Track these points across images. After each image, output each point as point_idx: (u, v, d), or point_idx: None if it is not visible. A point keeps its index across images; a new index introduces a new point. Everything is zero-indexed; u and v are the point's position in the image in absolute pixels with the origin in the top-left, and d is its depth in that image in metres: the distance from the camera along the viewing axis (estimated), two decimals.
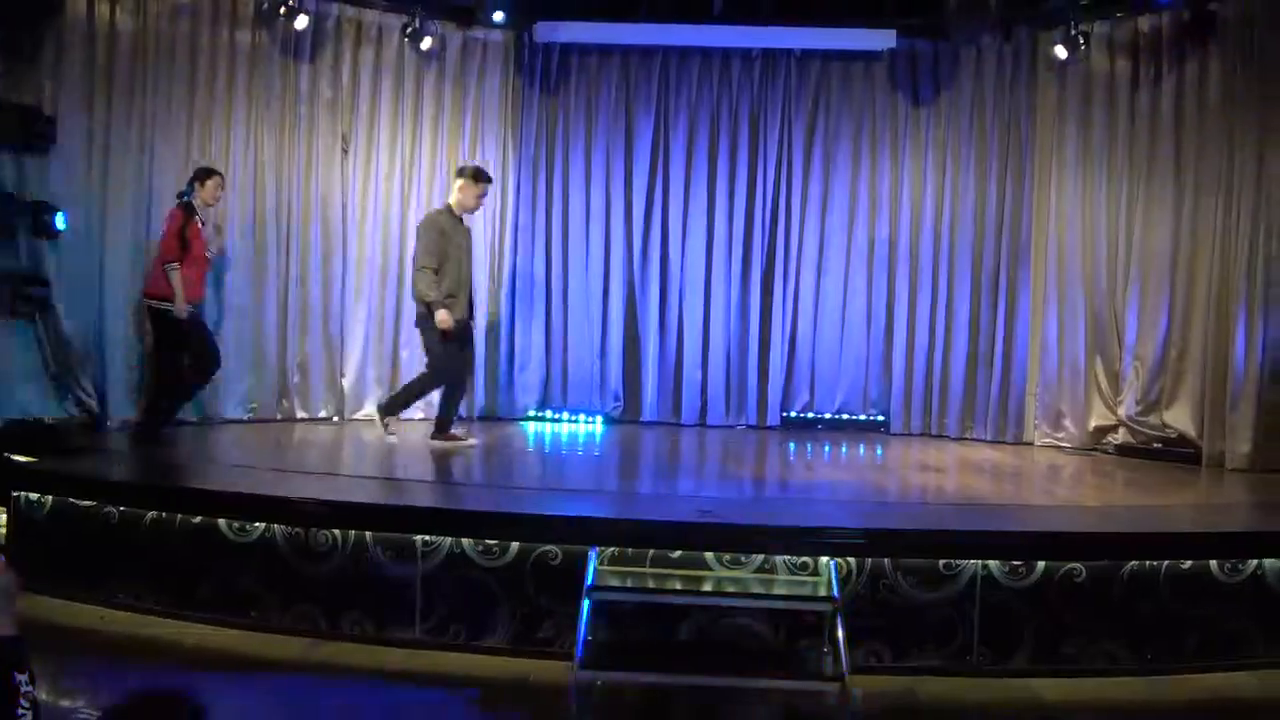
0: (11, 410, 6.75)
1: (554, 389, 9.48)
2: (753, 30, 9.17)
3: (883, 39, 9.04)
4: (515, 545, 4.80)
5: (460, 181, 7.46)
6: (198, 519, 5.06)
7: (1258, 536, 5.17)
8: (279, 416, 8.44)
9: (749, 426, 9.38)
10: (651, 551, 4.81)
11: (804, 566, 4.77)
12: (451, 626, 4.82)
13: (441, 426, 7.45)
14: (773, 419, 9.41)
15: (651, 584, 4.77)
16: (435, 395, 7.67)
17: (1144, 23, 8.31)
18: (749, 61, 9.44)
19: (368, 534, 4.89)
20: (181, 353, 7.15)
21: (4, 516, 5.58)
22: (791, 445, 8.66)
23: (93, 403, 7.34)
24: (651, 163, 9.48)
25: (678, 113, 9.45)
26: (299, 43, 8.50)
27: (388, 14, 8.89)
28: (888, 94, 9.37)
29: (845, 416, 9.39)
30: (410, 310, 8.99)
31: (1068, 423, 8.67)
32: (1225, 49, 7.79)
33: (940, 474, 7.46)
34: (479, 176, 7.50)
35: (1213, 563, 4.86)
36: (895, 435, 9.21)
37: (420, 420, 8.20)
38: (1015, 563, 4.75)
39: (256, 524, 4.98)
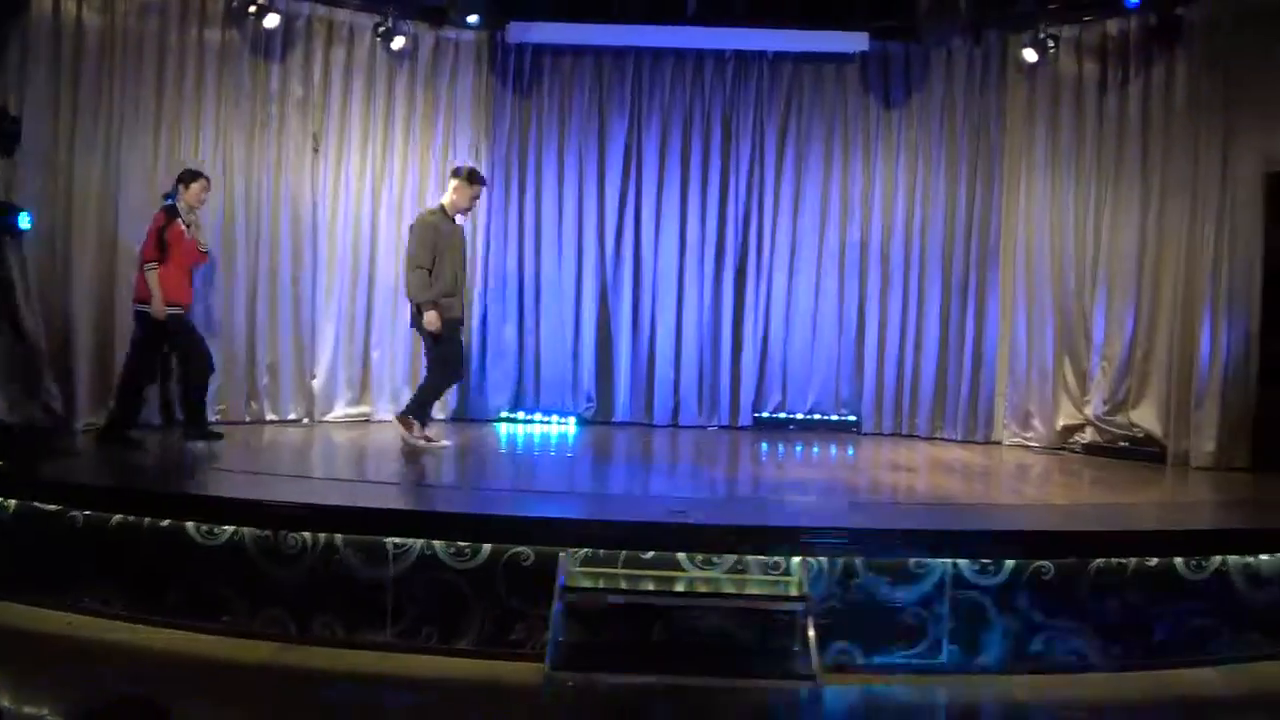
0: None
1: (526, 390, 9.48)
2: (725, 32, 9.21)
3: (854, 41, 9.10)
4: (487, 547, 4.78)
5: (455, 182, 7.45)
6: (165, 522, 5.01)
7: (1221, 534, 5.25)
8: (247, 418, 8.37)
9: (721, 427, 9.42)
10: (624, 553, 4.81)
11: (776, 566, 4.79)
12: (423, 629, 4.79)
13: (420, 422, 7.40)
14: (745, 419, 9.45)
15: (624, 585, 4.76)
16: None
17: (1112, 26, 8.41)
18: (721, 63, 9.47)
19: (338, 537, 4.85)
20: (151, 355, 7.07)
21: None
22: (763, 445, 8.70)
23: (58, 405, 7.24)
24: (624, 164, 9.48)
25: (650, 114, 9.46)
26: (269, 42, 8.43)
27: (359, 13, 8.84)
28: (859, 96, 9.43)
29: (817, 417, 9.44)
30: (381, 310, 9.01)
31: (1036, 422, 8.76)
32: (1191, 53, 7.90)
33: (911, 473, 7.52)
34: (474, 178, 7.50)
35: (1178, 560, 4.92)
36: (866, 435, 9.27)
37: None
38: (984, 561, 4.79)
39: (225, 527, 4.93)
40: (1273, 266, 7.49)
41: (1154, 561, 4.90)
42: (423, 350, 7.70)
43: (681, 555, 4.82)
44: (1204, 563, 4.94)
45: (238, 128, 8.32)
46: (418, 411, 7.40)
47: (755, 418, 9.47)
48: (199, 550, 4.96)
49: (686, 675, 4.51)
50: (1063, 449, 8.52)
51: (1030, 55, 8.60)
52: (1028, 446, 8.72)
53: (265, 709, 4.27)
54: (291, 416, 8.60)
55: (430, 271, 7.13)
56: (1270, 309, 7.49)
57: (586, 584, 4.71)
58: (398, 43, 8.86)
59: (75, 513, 5.17)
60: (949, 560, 4.78)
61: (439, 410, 8.06)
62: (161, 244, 6.85)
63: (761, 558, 4.80)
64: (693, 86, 9.49)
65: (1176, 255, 7.94)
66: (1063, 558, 4.84)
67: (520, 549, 4.77)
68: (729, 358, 9.48)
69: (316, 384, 8.76)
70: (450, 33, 9.23)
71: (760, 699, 4.45)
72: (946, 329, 9.19)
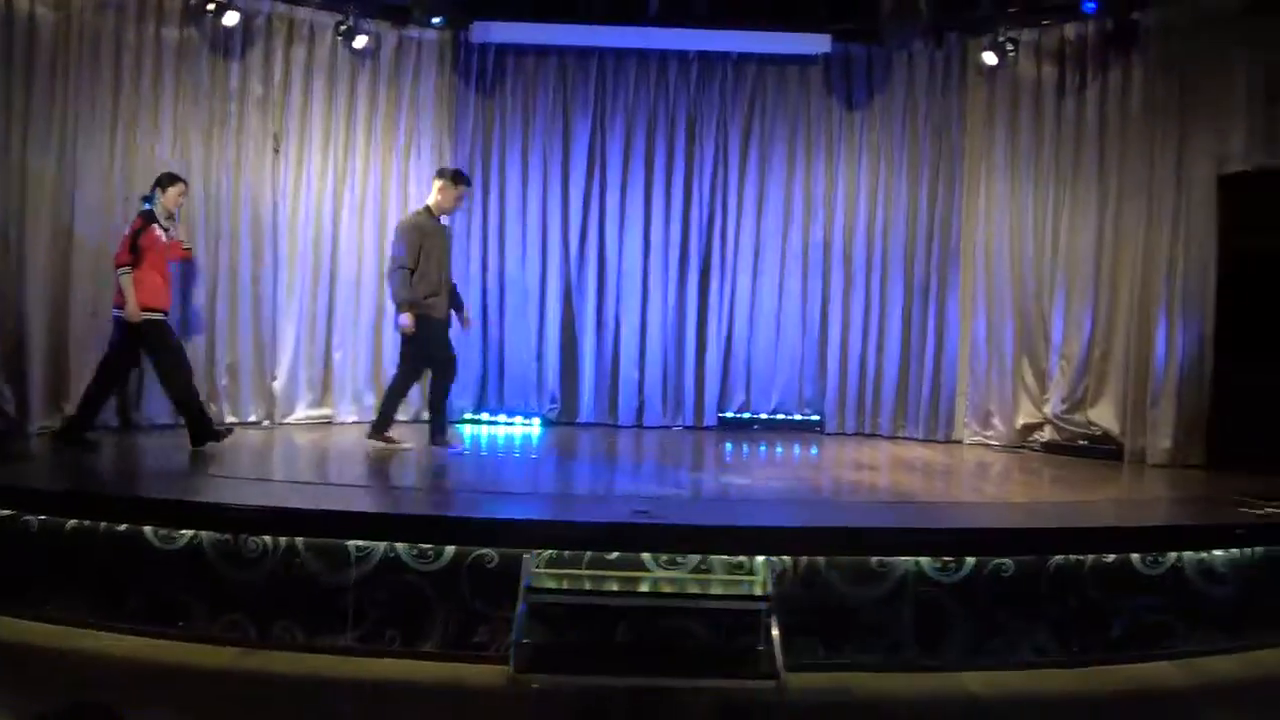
0: None
1: (490, 390, 9.45)
2: (689, 33, 9.23)
3: (817, 43, 9.16)
4: (451, 549, 4.76)
5: (440, 183, 7.44)
6: (122, 527, 4.93)
7: (1177, 530, 5.33)
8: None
9: (686, 427, 9.44)
10: (588, 553, 4.80)
11: (740, 566, 4.80)
12: (386, 632, 4.76)
13: (380, 428, 7.36)
14: (709, 419, 9.48)
15: (588, 586, 4.76)
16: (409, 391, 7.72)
17: (1070, 31, 8.53)
18: (686, 64, 9.49)
19: (299, 540, 4.80)
20: (125, 360, 6.96)
21: None
22: (728, 445, 8.73)
23: (11, 408, 7.12)
24: (589, 164, 9.48)
25: (614, 114, 9.47)
26: (228, 39, 8.33)
27: (320, 11, 8.77)
28: (822, 98, 9.49)
29: (781, 417, 9.50)
30: (343, 311, 8.94)
31: (996, 421, 8.87)
32: (1147, 58, 8.03)
33: (873, 472, 7.57)
34: (458, 178, 7.51)
35: (1134, 556, 5.00)
36: (829, 435, 9.34)
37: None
38: (945, 559, 4.84)
39: (183, 531, 4.87)
40: (1226, 268, 7.63)
41: (1111, 558, 4.97)
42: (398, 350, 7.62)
43: (646, 555, 4.82)
44: (1160, 559, 5.03)
45: (196, 126, 8.21)
46: (434, 426, 7.47)
47: (719, 418, 9.50)
48: (157, 555, 4.89)
49: (651, 676, 4.52)
50: (1022, 447, 8.63)
51: (990, 58, 8.70)
52: (988, 445, 8.82)
53: (226, 715, 4.22)
54: (252, 418, 8.49)
55: (413, 273, 7.09)
56: (1224, 309, 7.63)
57: (551, 585, 4.70)
58: (360, 41, 8.79)
59: (29, 518, 5.07)
60: (911, 559, 4.82)
61: (402, 412, 8.00)
62: (135, 248, 6.76)
63: (725, 557, 4.81)
64: (657, 87, 9.50)
65: (1133, 257, 8.07)
66: (1022, 555, 4.89)
67: (484, 551, 4.75)
68: (693, 358, 9.51)
69: (277, 385, 8.67)
70: (413, 32, 9.18)
71: (724, 698, 4.46)
72: (908, 329, 9.28)
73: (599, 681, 4.49)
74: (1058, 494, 6.95)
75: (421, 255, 7.16)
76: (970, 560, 4.84)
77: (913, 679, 4.68)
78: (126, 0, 7.80)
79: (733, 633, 4.71)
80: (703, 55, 9.46)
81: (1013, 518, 5.74)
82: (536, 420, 9.34)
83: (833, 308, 9.43)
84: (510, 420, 9.30)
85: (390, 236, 9.03)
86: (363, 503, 5.76)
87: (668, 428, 9.39)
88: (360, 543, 4.77)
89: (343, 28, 8.71)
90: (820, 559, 4.79)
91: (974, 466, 7.98)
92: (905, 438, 9.18)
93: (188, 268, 8.11)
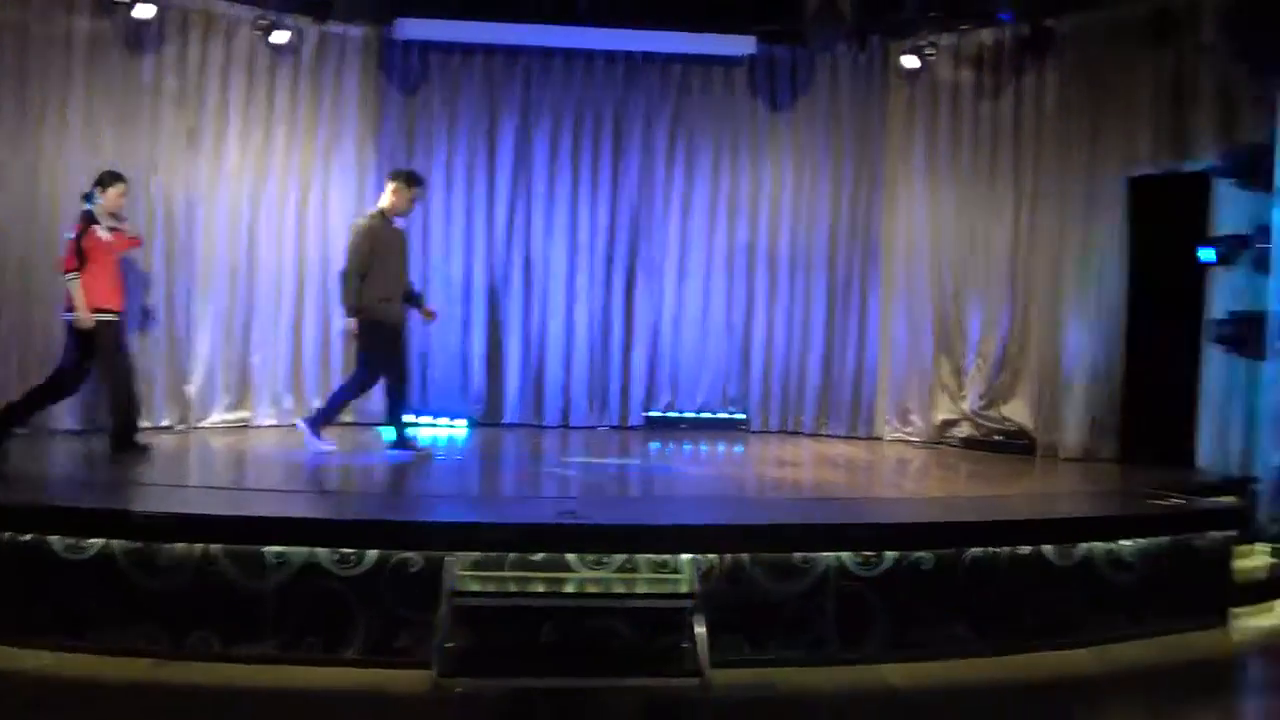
0: None
1: (414, 392, 9.31)
2: (615, 33, 9.23)
3: (742, 45, 9.23)
4: (373, 553, 4.69)
5: (393, 184, 7.30)
6: (27, 536, 4.76)
7: (1087, 522, 5.49)
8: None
9: (612, 427, 9.45)
10: (513, 555, 4.78)
11: (665, 564, 4.82)
12: (306, 639, 4.67)
13: (318, 421, 7.26)
14: (635, 419, 9.51)
15: (513, 587, 4.73)
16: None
17: (987, 36, 8.74)
18: (612, 64, 9.49)
19: (215, 547, 4.69)
20: (79, 358, 6.75)
21: None
22: (654, 445, 8.76)
23: None
24: (515, 164, 9.42)
25: (541, 114, 9.43)
26: (142, 33, 8.10)
27: (238, 5, 8.57)
28: (747, 99, 9.57)
29: (706, 415, 9.56)
30: (262, 313, 8.77)
31: (915, 418, 9.04)
32: (1061, 63, 8.26)
33: (796, 469, 7.67)
34: (412, 180, 7.38)
35: (1047, 547, 5.14)
36: (754, 433, 9.43)
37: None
38: (867, 553, 4.91)
39: (92, 540, 4.72)
40: (1135, 266, 7.87)
41: (1026, 550, 5.10)
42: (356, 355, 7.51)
43: (571, 556, 4.81)
44: (1071, 550, 5.17)
45: (108, 122, 7.97)
46: (328, 415, 7.33)
47: (645, 417, 9.54)
48: (64, 565, 4.72)
49: (576, 676, 4.51)
50: (941, 443, 8.81)
51: (911, 62, 8.87)
52: (908, 441, 8.99)
53: None
54: (165, 422, 8.27)
55: (364, 278, 6.98)
56: (1133, 307, 7.87)
57: (475, 588, 4.66)
58: (280, 37, 8.62)
59: None
60: (833, 554, 4.88)
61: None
62: (80, 252, 6.58)
63: (651, 556, 4.82)
64: (583, 87, 9.49)
65: (1047, 256, 8.30)
66: (941, 548, 4.99)
67: (407, 554, 4.69)
68: (619, 358, 9.52)
69: (192, 388, 8.46)
70: (335, 28, 9.03)
71: (649, 697, 4.48)
72: (831, 328, 9.41)
73: (524, 684, 4.47)
74: (974, 488, 7.11)
75: (375, 260, 7.04)
76: (890, 554, 4.93)
77: (835, 673, 4.75)
78: None
79: (658, 631, 4.72)
80: (629, 55, 9.47)
81: (931, 512, 5.84)
82: (462, 421, 9.26)
83: (757, 307, 9.52)
84: (435, 421, 9.20)
85: (313, 236, 8.96)
86: (282, 507, 5.64)
87: (594, 428, 9.39)
88: (279, 548, 4.68)
89: (262, 23, 8.53)
90: (744, 556, 4.83)
91: (894, 462, 8.13)
92: (828, 435, 9.31)
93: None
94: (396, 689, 4.44)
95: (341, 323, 7.54)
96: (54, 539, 4.72)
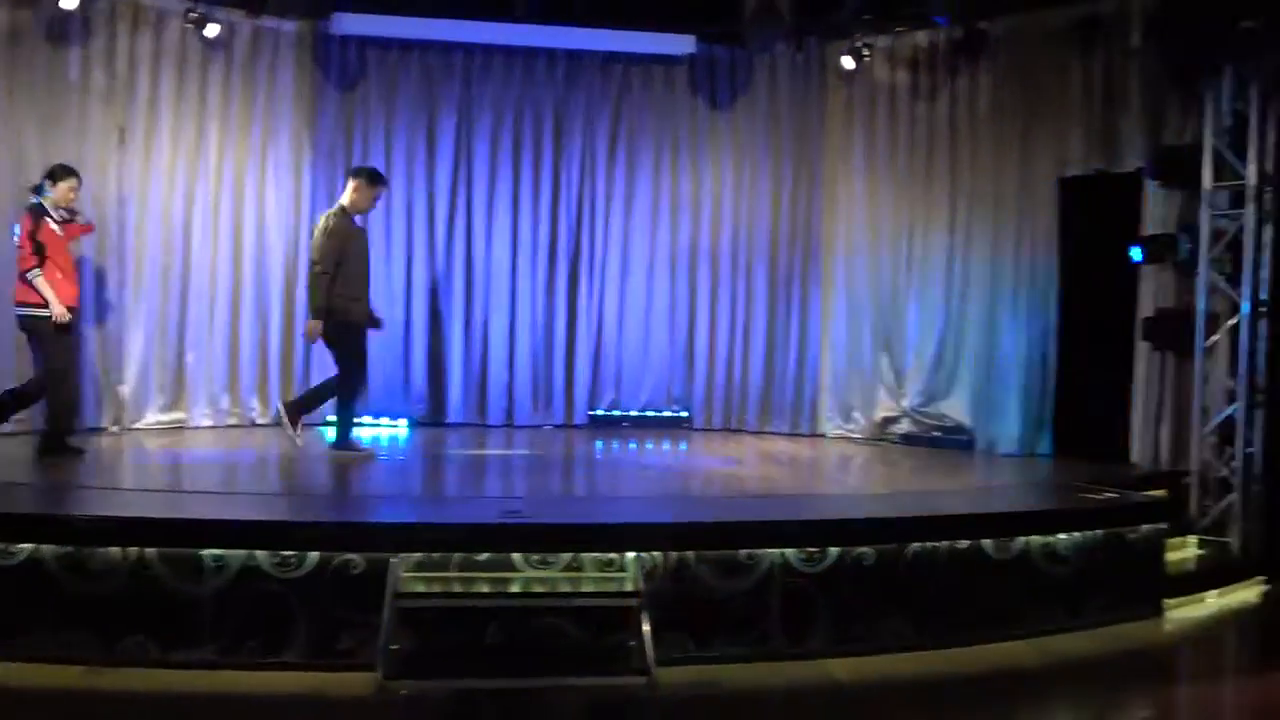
0: None
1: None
2: (555, 30, 9.19)
3: (682, 44, 9.26)
4: (314, 555, 4.61)
5: (354, 182, 7.14)
6: None
7: (1024, 516, 5.59)
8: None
9: (556, 426, 9.42)
10: (457, 555, 4.73)
11: (611, 563, 4.81)
12: (246, 644, 4.58)
13: (296, 409, 7.15)
14: (579, 417, 9.49)
15: (458, 588, 4.69)
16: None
17: (922, 38, 8.87)
18: (553, 62, 9.46)
19: (150, 550, 4.58)
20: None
21: None
22: (598, 443, 8.75)
23: None
24: (454, 161, 9.34)
25: (481, 111, 9.36)
26: (67, 26, 7.86)
27: None
28: (688, 98, 9.60)
29: (650, 414, 9.58)
30: (196, 312, 8.58)
31: (857, 415, 9.15)
32: (994, 65, 8.41)
33: (740, 467, 7.71)
34: (375, 178, 7.24)
35: (986, 541, 5.23)
36: (698, 431, 9.47)
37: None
38: (810, 549, 4.95)
39: (21, 545, 4.57)
40: (1068, 265, 8.05)
41: (964, 544, 5.19)
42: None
43: (516, 555, 4.77)
44: (1009, 544, 5.27)
45: (32, 120, 7.71)
46: (307, 407, 7.26)
47: (589, 416, 9.53)
48: None
49: (522, 677, 4.49)
50: (882, 439, 8.93)
51: (848, 63, 8.97)
52: (850, 438, 9.10)
53: None
54: (99, 425, 8.05)
55: (333, 277, 6.85)
56: (1067, 306, 8.05)
57: (419, 589, 4.61)
58: (211, 30, 8.43)
59: None
60: (777, 550, 4.92)
61: (261, 415, 7.73)
62: (38, 247, 6.39)
63: (596, 555, 4.81)
64: (524, 84, 9.44)
65: (982, 255, 8.45)
66: (883, 544, 5.05)
67: (349, 556, 4.62)
68: (562, 356, 9.50)
69: (125, 390, 8.25)
70: (270, 22, 8.85)
71: (595, 696, 4.46)
72: (773, 326, 9.49)
73: (470, 685, 4.43)
74: (915, 484, 7.21)
75: (341, 259, 6.91)
76: (834, 550, 4.97)
77: (780, 668, 4.78)
78: None
79: (604, 630, 4.71)
80: (570, 53, 9.44)
81: (873, 508, 5.92)
82: (403, 421, 9.16)
83: (700, 305, 9.56)
84: (376, 421, 9.08)
85: (249, 233, 8.78)
86: (219, 509, 5.52)
87: (538, 427, 9.35)
88: (217, 551, 4.58)
89: (193, 15, 8.34)
90: (689, 553, 4.84)
91: (837, 459, 8.22)
92: (771, 432, 9.38)
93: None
94: (340, 692, 4.38)
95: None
96: None
